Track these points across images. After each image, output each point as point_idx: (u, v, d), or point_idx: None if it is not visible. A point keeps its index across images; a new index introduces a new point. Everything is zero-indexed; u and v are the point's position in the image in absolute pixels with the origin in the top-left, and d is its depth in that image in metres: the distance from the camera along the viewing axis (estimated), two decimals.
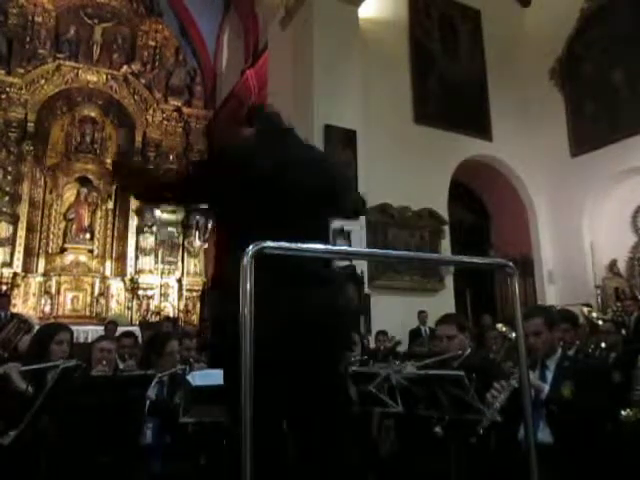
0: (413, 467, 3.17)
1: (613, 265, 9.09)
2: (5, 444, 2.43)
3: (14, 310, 9.65)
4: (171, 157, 13.94)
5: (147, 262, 13.07)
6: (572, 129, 9.60)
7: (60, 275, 12.10)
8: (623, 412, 2.65)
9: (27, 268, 12.20)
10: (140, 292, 12.83)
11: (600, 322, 5.06)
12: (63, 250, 12.52)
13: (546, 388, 2.50)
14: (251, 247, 1.10)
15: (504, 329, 3.08)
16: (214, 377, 2.96)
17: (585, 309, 5.88)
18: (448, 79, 9.42)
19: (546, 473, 1.39)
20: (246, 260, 1.09)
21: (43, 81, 12.86)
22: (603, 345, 4.06)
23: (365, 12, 8.68)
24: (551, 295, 9.44)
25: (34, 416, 2.44)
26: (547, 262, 9.74)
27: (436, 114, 9.10)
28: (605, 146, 8.94)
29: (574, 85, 9.69)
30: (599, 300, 8.67)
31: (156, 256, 13.28)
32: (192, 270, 13.62)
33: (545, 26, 10.04)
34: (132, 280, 12.88)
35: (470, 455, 2.65)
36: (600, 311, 7.49)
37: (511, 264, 1.26)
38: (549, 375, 2.62)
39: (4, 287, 11.34)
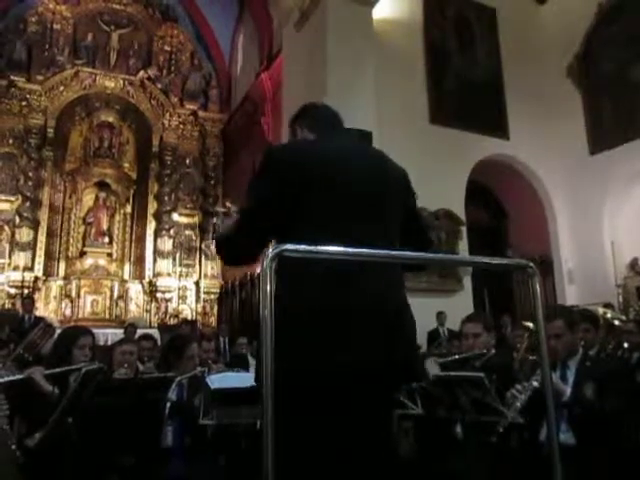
0: (432, 469, 3.15)
1: (634, 264, 8.93)
2: (31, 445, 2.47)
3: (36, 314, 9.80)
4: (188, 161, 14.08)
5: (165, 265, 13.20)
6: (590, 127, 9.47)
7: (80, 279, 12.27)
8: None
9: (48, 272, 12.39)
10: (158, 295, 12.96)
11: (616, 322, 4.97)
12: (82, 254, 12.70)
13: (568, 390, 2.47)
14: (271, 250, 1.10)
15: (529, 324, 3.07)
16: (231, 380, 2.98)
17: (601, 309, 5.78)
18: (464, 78, 9.35)
19: (569, 475, 1.37)
20: (266, 263, 1.09)
21: (62, 87, 13.08)
22: (626, 345, 4.00)
23: (379, 13, 8.66)
24: (571, 295, 9.31)
25: (58, 418, 2.48)
26: (567, 261, 9.61)
27: (452, 114, 9.04)
28: (624, 143, 8.80)
29: (592, 82, 9.56)
30: (620, 299, 8.53)
31: (174, 259, 13.41)
32: (209, 273, 13.72)
33: (562, 23, 9.93)
34: (150, 283, 13.01)
35: (491, 456, 2.63)
36: (621, 311, 7.37)
37: (532, 265, 1.24)
38: (570, 376, 2.59)
39: (26, 291, 11.53)
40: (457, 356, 3.08)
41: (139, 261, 13.35)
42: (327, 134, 1.79)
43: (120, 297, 12.54)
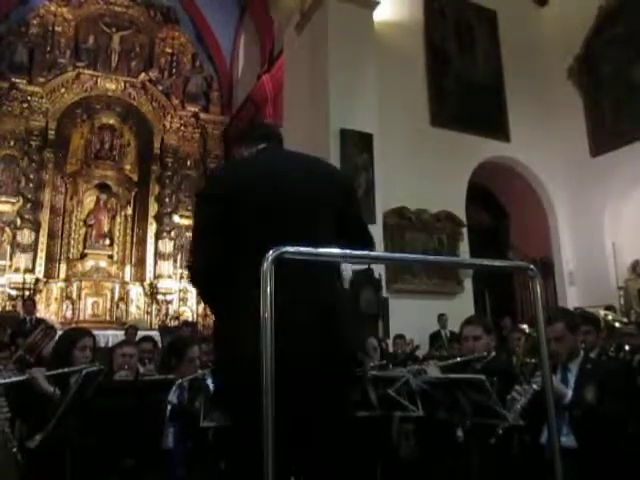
0: (433, 472, 3.15)
1: (636, 266, 8.92)
2: (31, 447, 2.47)
3: (37, 315, 9.79)
4: (189, 163, 14.10)
5: (166, 267, 13.20)
6: (592, 128, 9.46)
7: (81, 280, 12.25)
8: None
9: (49, 274, 12.39)
10: (159, 297, 12.96)
11: (618, 324, 4.97)
12: (83, 256, 12.69)
13: (569, 393, 2.47)
14: (271, 252, 1.11)
15: (525, 327, 3.07)
16: None
17: (602, 312, 5.78)
18: (465, 80, 9.35)
19: (570, 477, 1.37)
20: (266, 265, 1.10)
21: (63, 90, 13.10)
22: (627, 348, 3.99)
23: (380, 15, 8.67)
24: (572, 297, 9.30)
25: (59, 420, 2.47)
26: (567, 263, 9.60)
27: (453, 116, 9.04)
28: (626, 145, 8.79)
29: (593, 84, 9.55)
30: (622, 302, 8.52)
31: (175, 261, 13.40)
32: None
33: (563, 25, 9.93)
34: (151, 285, 13.02)
35: (492, 459, 2.62)
36: (623, 313, 7.37)
37: (533, 267, 1.24)
38: (571, 378, 2.58)
39: (27, 292, 11.54)
40: (458, 359, 3.07)
41: (140, 263, 13.35)
42: (260, 153, 1.91)
43: (121, 299, 12.53)
